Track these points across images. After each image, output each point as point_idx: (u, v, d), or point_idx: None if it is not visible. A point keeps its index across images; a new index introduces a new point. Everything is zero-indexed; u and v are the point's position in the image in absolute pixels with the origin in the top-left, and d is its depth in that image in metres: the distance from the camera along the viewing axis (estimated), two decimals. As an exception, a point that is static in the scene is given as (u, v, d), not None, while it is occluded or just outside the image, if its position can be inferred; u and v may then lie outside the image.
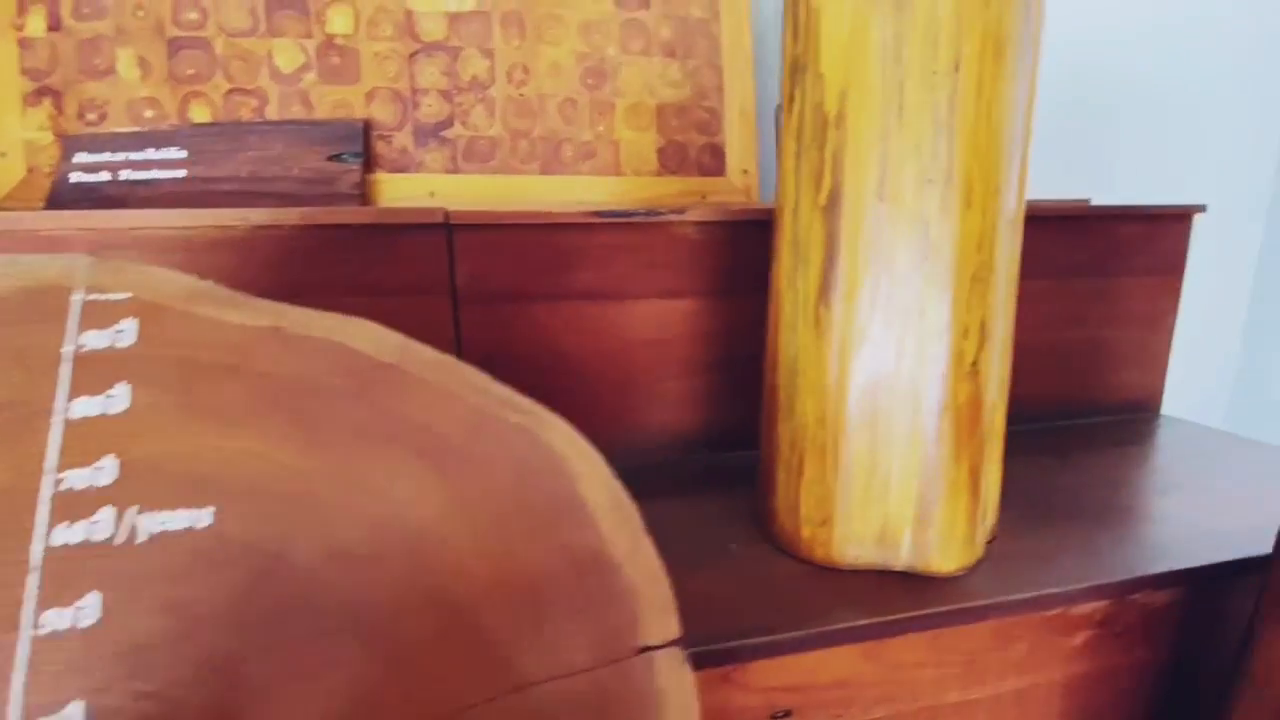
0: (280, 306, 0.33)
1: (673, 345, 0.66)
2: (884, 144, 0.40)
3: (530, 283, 0.62)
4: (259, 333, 0.32)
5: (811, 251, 0.43)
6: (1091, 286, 0.77)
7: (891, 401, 0.43)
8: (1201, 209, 0.77)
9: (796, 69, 0.43)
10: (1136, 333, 0.80)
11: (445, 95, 0.73)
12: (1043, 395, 0.78)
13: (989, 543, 0.49)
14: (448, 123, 0.73)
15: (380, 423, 0.31)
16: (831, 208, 0.42)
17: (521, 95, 0.75)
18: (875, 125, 0.40)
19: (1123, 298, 0.79)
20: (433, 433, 0.31)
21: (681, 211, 0.63)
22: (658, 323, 0.65)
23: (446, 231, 0.59)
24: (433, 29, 0.73)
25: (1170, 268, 0.79)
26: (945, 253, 0.41)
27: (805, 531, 0.47)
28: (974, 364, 0.42)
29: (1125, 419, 0.81)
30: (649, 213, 0.62)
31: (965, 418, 0.43)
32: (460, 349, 0.62)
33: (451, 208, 0.73)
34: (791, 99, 0.44)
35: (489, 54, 0.74)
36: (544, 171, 0.76)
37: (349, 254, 0.58)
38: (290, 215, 0.56)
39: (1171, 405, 0.84)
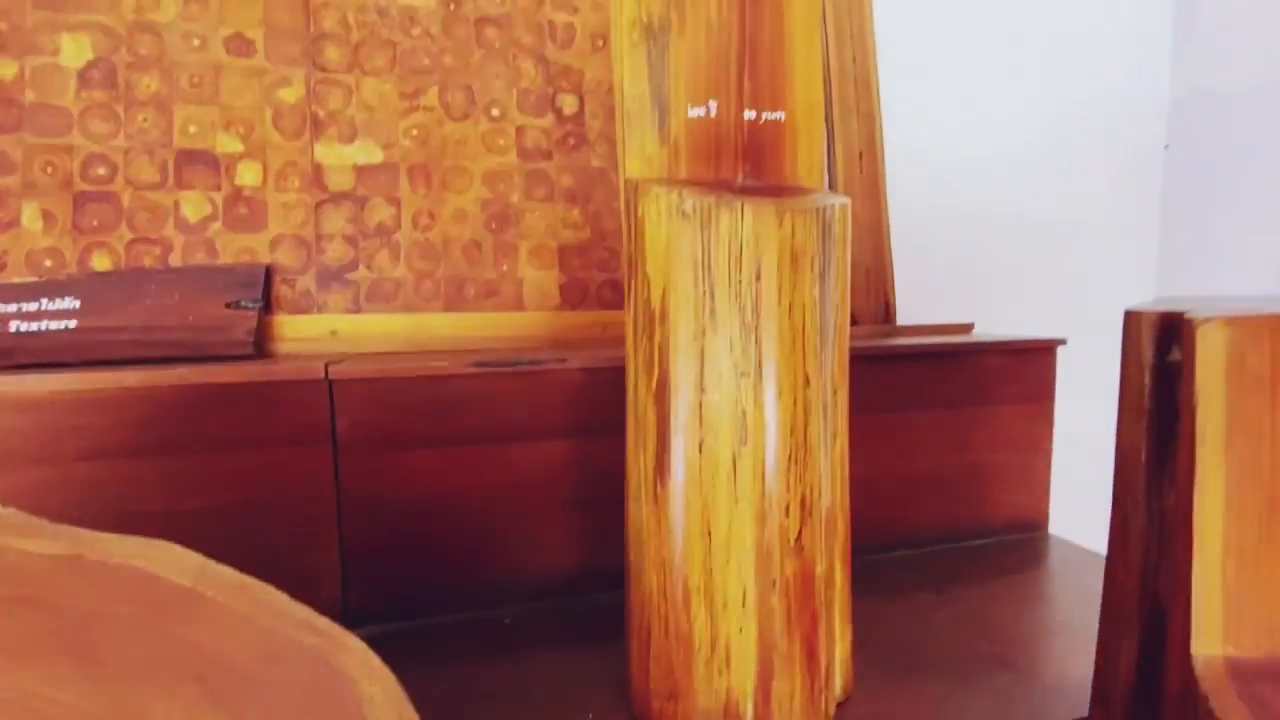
0: (81, 533, 0.34)
1: (560, 486, 0.68)
2: (701, 341, 0.44)
3: (413, 430, 0.64)
4: (56, 562, 0.32)
5: (648, 434, 0.46)
6: (971, 415, 0.82)
7: (725, 577, 0.45)
8: (1062, 342, 0.84)
9: (630, 265, 0.47)
10: (1017, 456, 0.84)
11: (350, 240, 0.77)
12: (930, 520, 0.81)
13: (841, 704, 0.50)
14: (352, 266, 0.77)
15: (170, 654, 0.31)
16: (661, 395, 0.45)
17: (426, 239, 0.79)
18: (692, 324, 0.44)
19: (1001, 424, 0.83)
20: (223, 662, 0.32)
21: (564, 360, 0.66)
22: (545, 464, 0.67)
23: (328, 385, 0.61)
24: (341, 180, 0.77)
25: (1041, 395, 0.85)
26: (761, 438, 0.44)
27: (655, 705, 0.47)
28: (798, 540, 0.45)
29: (1012, 539, 0.84)
30: (532, 362, 0.65)
31: (794, 592, 0.45)
32: (341, 498, 0.62)
33: (350, 348, 0.75)
34: (628, 290, 0.48)
35: (395, 202, 0.79)
36: (447, 309, 0.79)
37: (228, 410, 0.59)
38: (166, 377, 0.57)
39: (1059, 523, 0.88)
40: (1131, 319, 0.36)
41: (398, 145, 0.79)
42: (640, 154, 0.49)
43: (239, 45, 0.75)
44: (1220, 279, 1.20)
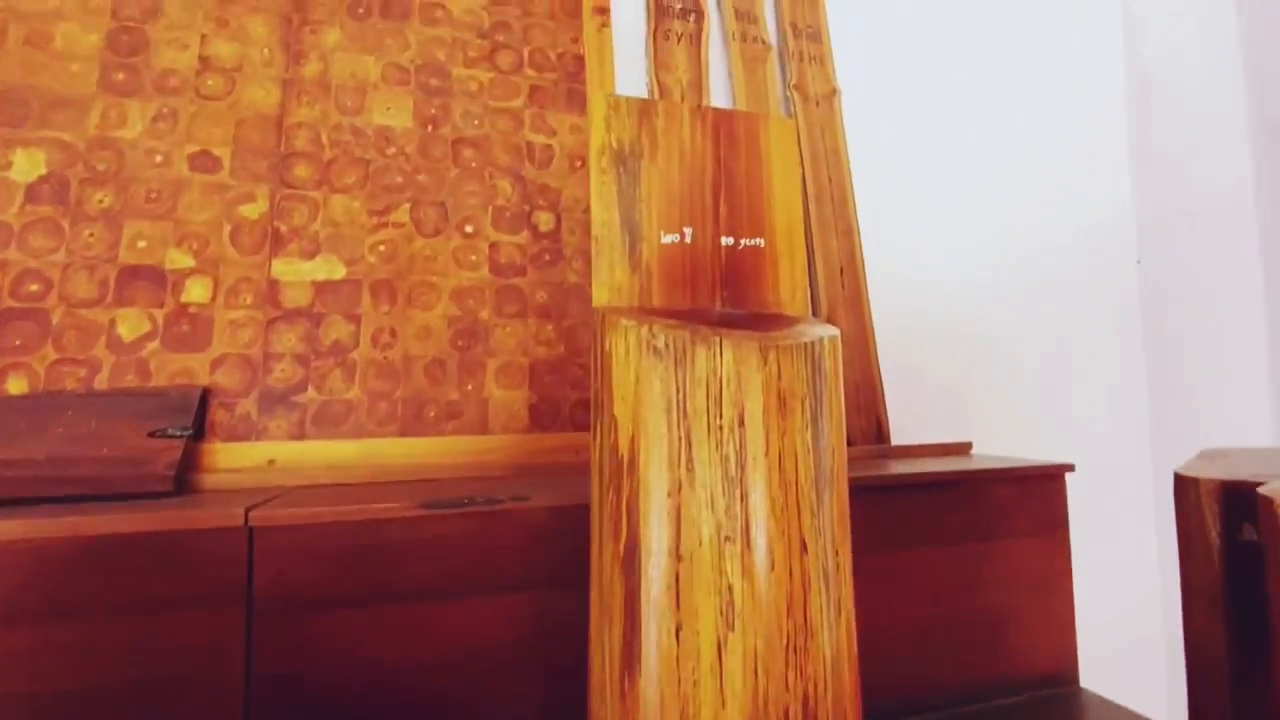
0: None
1: (516, 649, 0.58)
2: (677, 498, 0.37)
3: (346, 586, 0.54)
4: None
5: (615, 611, 0.38)
6: (978, 550, 0.74)
7: (710, 804, 0.35)
8: (1070, 467, 0.78)
9: (596, 406, 0.41)
10: (1036, 597, 0.76)
11: (301, 360, 0.71)
12: (945, 678, 0.71)
13: None
14: (300, 387, 0.70)
15: None
16: (629, 563, 0.38)
17: (385, 358, 0.74)
18: (666, 477, 0.37)
19: (1014, 560, 0.75)
20: None
21: (525, 497, 0.58)
22: (501, 623, 0.57)
23: (247, 534, 0.53)
24: (297, 296, 0.73)
25: (1053, 526, 0.77)
26: (752, 620, 0.36)
27: None
28: (801, 754, 0.36)
29: (1041, 696, 0.73)
30: (487, 501, 0.57)
31: (800, 825, 0.35)
32: (251, 675, 0.52)
33: (289, 479, 0.67)
34: (594, 433, 0.41)
35: (355, 319, 0.74)
36: (403, 433, 0.72)
37: (123, 567, 0.50)
38: (52, 527, 0.49)
39: (1096, 675, 0.78)
40: (1187, 486, 0.30)
41: (363, 261, 0.75)
42: (609, 282, 0.44)
43: (204, 162, 0.73)
44: (1208, 384, 1.17)
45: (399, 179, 0.79)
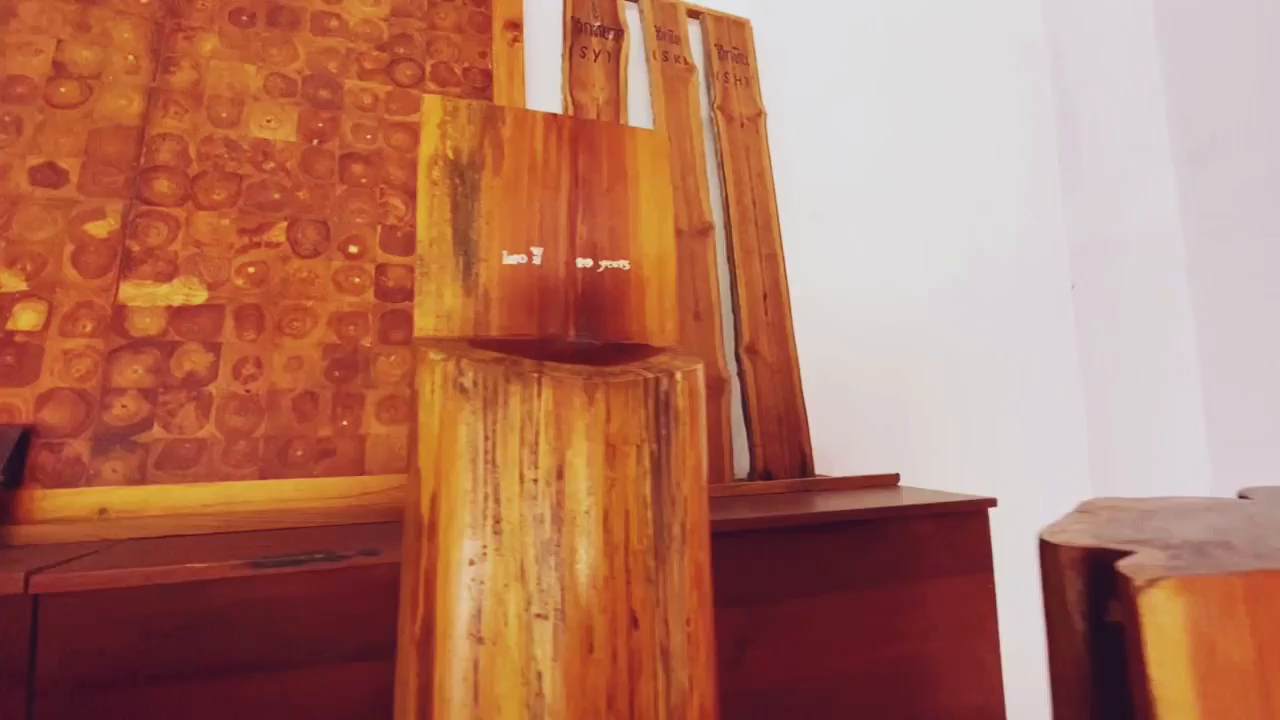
0: None
1: (364, 727, 0.50)
2: (481, 567, 0.31)
3: (155, 660, 0.47)
4: None
5: (408, 704, 0.31)
6: (899, 593, 0.69)
7: None
8: (992, 502, 0.74)
9: (409, 456, 0.35)
10: (959, 641, 0.71)
11: (147, 394, 0.63)
12: (864, 737, 0.65)
13: None
14: (144, 425, 0.63)
15: None
16: (425, 645, 0.31)
17: (248, 391, 0.66)
18: (468, 543, 0.31)
19: (935, 601, 0.71)
20: None
21: (375, 552, 0.52)
22: (341, 697, 0.50)
23: (31, 602, 0.45)
24: (147, 324, 0.65)
25: (976, 565, 0.73)
26: (564, 715, 0.30)
27: None
28: None
29: (968, 753, 0.68)
30: (327, 556, 0.50)
31: None
32: (21, 773, 0.43)
33: (122, 531, 0.59)
34: (408, 489, 0.35)
35: (214, 348, 0.67)
36: (263, 475, 0.65)
37: None
38: None
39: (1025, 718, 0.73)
40: (1048, 554, 0.25)
41: (228, 284, 0.69)
42: (436, 309, 0.39)
43: (47, 175, 0.66)
44: (1143, 410, 1.16)
45: (276, 196, 0.73)
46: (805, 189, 1.07)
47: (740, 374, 0.89)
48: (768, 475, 0.85)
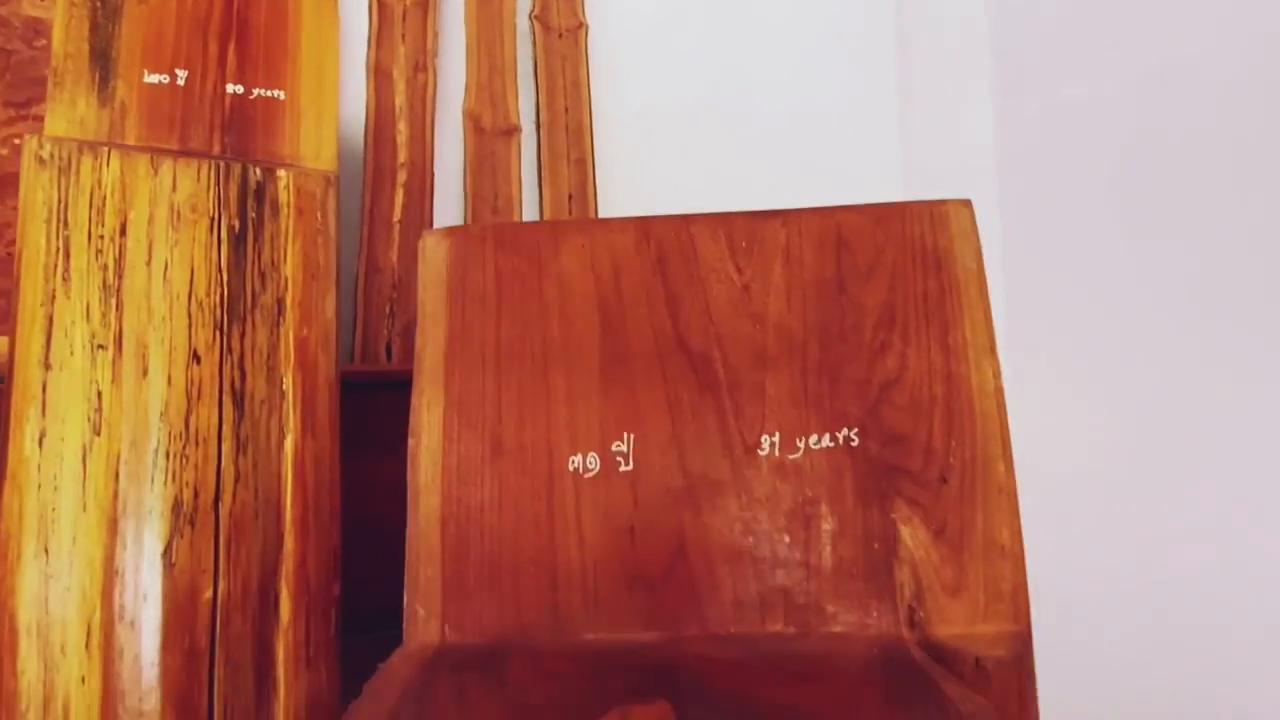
0: None
1: None
2: (50, 307, 0.36)
3: None
4: None
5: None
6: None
7: (65, 608, 0.35)
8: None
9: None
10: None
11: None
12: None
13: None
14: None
15: None
16: (7, 373, 0.37)
17: None
18: (42, 287, 0.36)
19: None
20: None
21: None
22: None
23: None
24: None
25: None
26: (121, 426, 0.36)
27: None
28: (165, 554, 0.36)
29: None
30: None
31: (166, 622, 0.36)
32: None
33: None
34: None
35: (-27, 212, 0.69)
36: None
37: None
38: None
39: None
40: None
41: (-12, 152, 0.70)
42: (69, 114, 0.43)
43: None
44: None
45: (45, 72, 0.74)
46: (636, 106, 1.12)
47: (541, 268, 0.95)
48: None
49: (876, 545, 0.24)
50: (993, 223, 1.29)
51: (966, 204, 0.30)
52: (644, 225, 0.27)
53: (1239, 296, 0.59)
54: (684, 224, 0.27)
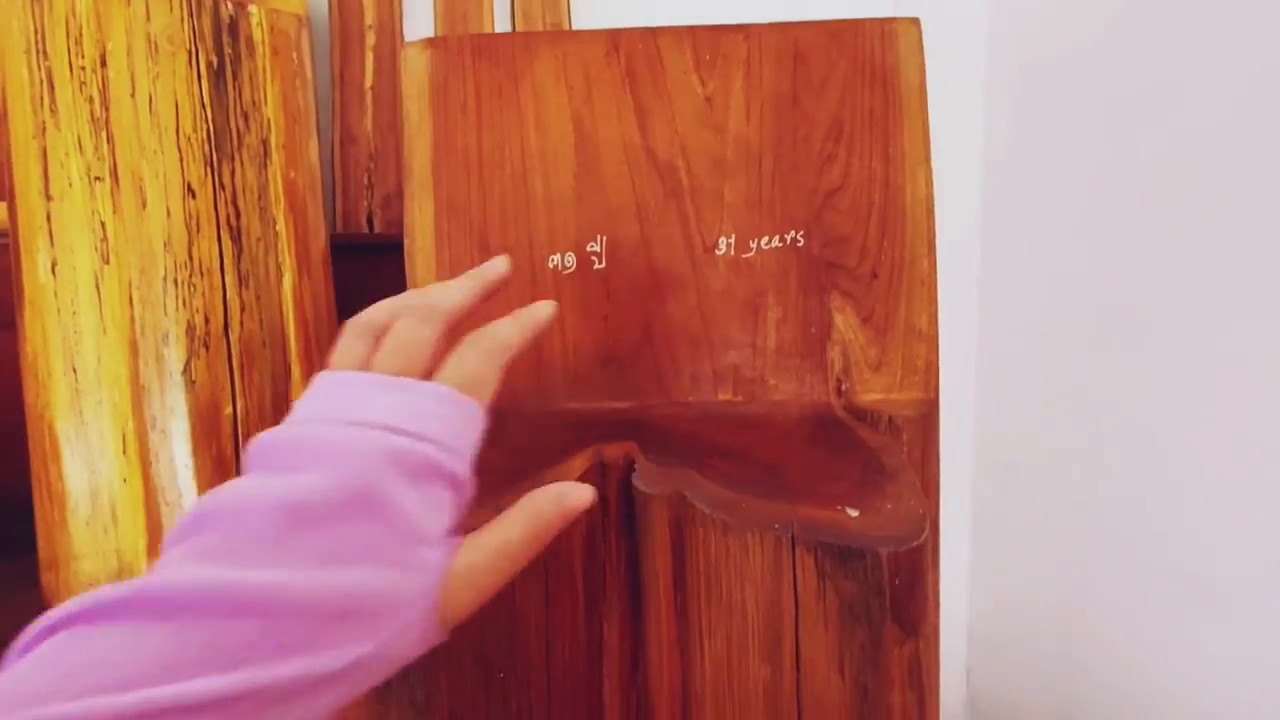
0: None
1: None
2: (42, 140, 0.38)
3: None
4: None
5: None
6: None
7: (100, 420, 0.39)
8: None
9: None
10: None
11: None
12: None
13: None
14: None
15: None
16: (10, 207, 0.38)
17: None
18: (31, 120, 0.37)
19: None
20: None
21: None
22: None
23: None
24: None
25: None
26: (129, 256, 0.38)
27: (43, 578, 0.40)
28: (185, 372, 0.40)
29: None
30: None
31: (194, 432, 0.40)
32: None
33: None
34: None
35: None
36: None
37: None
38: None
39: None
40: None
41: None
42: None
43: None
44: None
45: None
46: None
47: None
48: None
49: (813, 329, 0.29)
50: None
51: (915, 22, 0.31)
52: (613, 37, 0.29)
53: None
54: (651, 36, 0.29)
